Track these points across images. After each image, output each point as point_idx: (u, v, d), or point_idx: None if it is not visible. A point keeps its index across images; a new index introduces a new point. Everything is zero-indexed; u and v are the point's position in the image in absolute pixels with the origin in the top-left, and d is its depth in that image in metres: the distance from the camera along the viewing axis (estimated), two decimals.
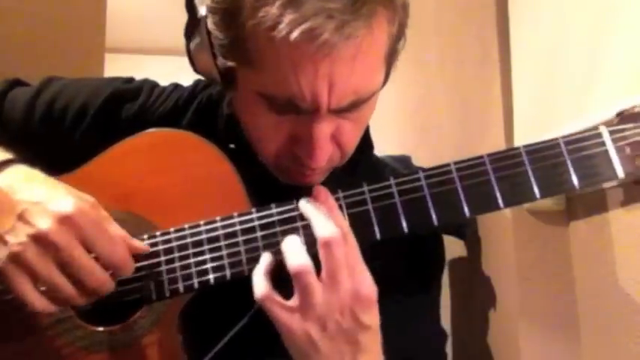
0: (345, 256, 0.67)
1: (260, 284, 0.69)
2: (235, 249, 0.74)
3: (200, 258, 0.74)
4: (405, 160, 1.15)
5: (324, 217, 0.70)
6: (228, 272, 0.73)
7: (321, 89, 0.67)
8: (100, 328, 0.75)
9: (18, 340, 0.76)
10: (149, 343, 0.74)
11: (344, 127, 0.73)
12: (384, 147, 1.09)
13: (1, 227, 0.67)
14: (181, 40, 0.78)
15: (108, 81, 0.94)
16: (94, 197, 0.71)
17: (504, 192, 0.73)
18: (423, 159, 1.11)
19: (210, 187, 0.77)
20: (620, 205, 0.88)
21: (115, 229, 0.71)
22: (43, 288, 0.68)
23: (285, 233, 0.73)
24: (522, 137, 1.03)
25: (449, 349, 1.22)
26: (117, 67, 1.76)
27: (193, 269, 0.74)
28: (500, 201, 0.73)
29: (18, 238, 0.66)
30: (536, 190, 0.73)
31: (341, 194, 0.74)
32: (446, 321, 1.21)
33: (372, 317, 0.68)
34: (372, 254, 0.70)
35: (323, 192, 0.72)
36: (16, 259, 0.66)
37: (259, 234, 0.74)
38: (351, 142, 0.77)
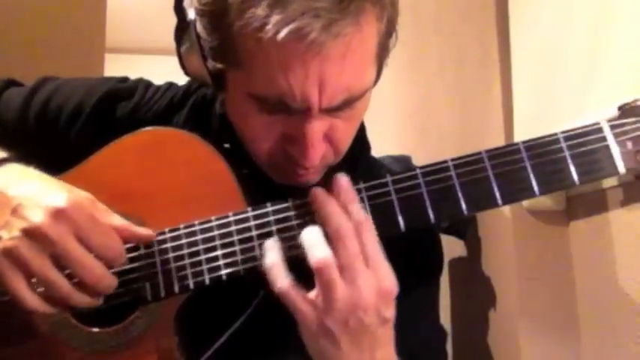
0: (361, 248, 0.67)
1: (281, 274, 0.67)
2: (231, 249, 0.73)
3: (195, 258, 0.74)
4: (405, 160, 1.15)
5: (338, 209, 0.69)
6: (223, 272, 0.73)
7: (311, 89, 0.67)
8: (96, 329, 0.75)
9: (15, 342, 0.76)
10: (145, 345, 0.74)
11: (337, 126, 0.73)
12: (384, 147, 1.09)
13: None
14: None
15: (102, 80, 0.93)
16: None
17: (503, 189, 0.71)
18: (423, 159, 1.10)
19: (206, 186, 0.77)
20: (620, 205, 0.87)
21: (116, 220, 0.70)
22: (40, 289, 0.67)
23: (280, 232, 0.73)
24: (522, 137, 1.01)
25: (449, 349, 1.22)
26: (117, 67, 1.76)
27: (189, 270, 0.73)
28: (498, 198, 0.72)
29: (11, 232, 0.65)
30: (535, 186, 0.71)
31: (362, 185, 0.73)
32: (446, 321, 1.21)
33: (392, 310, 0.68)
34: None
35: (344, 181, 0.71)
36: (9, 254, 0.65)
37: (255, 233, 0.73)
38: (345, 140, 0.76)
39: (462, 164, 0.72)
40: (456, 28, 1.40)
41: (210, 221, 0.74)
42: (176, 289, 0.73)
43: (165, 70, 1.20)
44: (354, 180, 0.73)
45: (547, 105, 0.99)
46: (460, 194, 0.71)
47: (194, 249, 0.74)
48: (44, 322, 0.75)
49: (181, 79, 0.94)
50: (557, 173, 0.72)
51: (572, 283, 1.01)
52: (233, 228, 0.73)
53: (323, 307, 0.66)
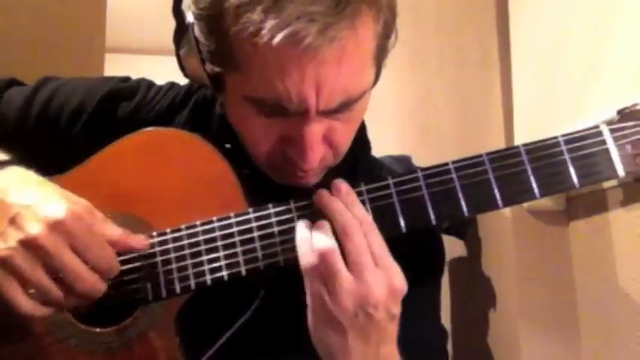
0: (368, 245, 0.68)
1: (308, 252, 0.68)
2: (232, 250, 0.73)
3: (197, 259, 0.74)
4: (405, 160, 1.15)
5: (343, 207, 0.70)
6: (225, 273, 0.73)
7: (308, 92, 0.67)
8: (97, 329, 0.75)
9: (15, 342, 0.76)
10: (146, 345, 0.74)
11: (336, 128, 0.73)
12: (384, 147, 1.08)
13: None
14: None
15: (104, 80, 0.93)
16: (89, 197, 0.71)
17: (503, 191, 0.72)
18: (423, 159, 1.10)
19: (207, 187, 0.77)
20: (620, 205, 0.87)
21: (112, 230, 0.71)
22: (32, 291, 0.68)
23: (282, 233, 0.73)
24: (522, 137, 1.03)
25: (449, 349, 1.22)
26: (117, 67, 1.76)
27: (190, 270, 0.74)
28: (499, 200, 0.72)
29: (7, 243, 0.66)
30: (535, 189, 0.72)
31: (364, 188, 0.74)
32: (446, 321, 1.21)
33: (399, 308, 0.69)
34: None
35: (344, 186, 0.72)
36: (4, 263, 0.66)
37: (256, 234, 0.73)
38: (344, 142, 0.76)
39: (463, 167, 0.73)
40: (456, 28, 1.40)
41: (211, 222, 0.74)
42: (177, 289, 0.73)
43: (166, 70, 1.20)
44: (355, 181, 0.74)
45: (547, 105, 0.99)
46: (461, 196, 0.72)
47: (196, 249, 0.74)
48: (44, 322, 0.75)
49: (181, 79, 0.94)
50: (558, 176, 0.72)
51: (572, 283, 1.01)
52: (235, 229, 0.74)
53: (330, 297, 0.67)
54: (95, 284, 0.69)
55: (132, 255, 0.74)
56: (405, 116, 1.76)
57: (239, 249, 0.73)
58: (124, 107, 0.89)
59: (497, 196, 0.72)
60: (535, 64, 1.03)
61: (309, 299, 0.69)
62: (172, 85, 0.93)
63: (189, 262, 0.74)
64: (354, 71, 0.69)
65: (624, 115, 0.74)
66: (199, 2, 0.68)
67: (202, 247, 0.74)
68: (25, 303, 0.67)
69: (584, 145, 0.73)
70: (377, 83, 0.77)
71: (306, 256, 0.68)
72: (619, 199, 0.87)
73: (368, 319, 0.67)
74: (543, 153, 0.73)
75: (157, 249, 0.74)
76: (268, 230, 0.73)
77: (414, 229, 0.73)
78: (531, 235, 1.05)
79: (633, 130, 0.73)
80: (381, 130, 1.48)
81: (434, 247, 0.95)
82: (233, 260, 0.73)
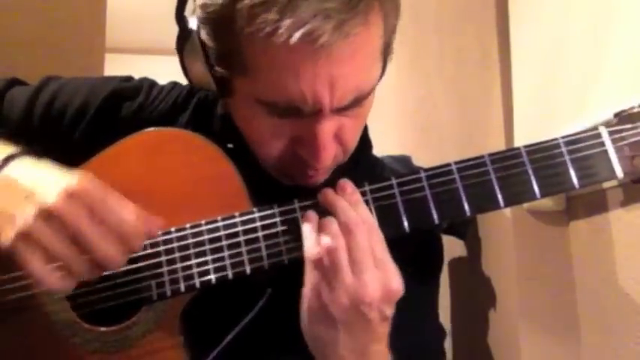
0: (371, 246, 0.69)
1: (314, 244, 0.69)
2: (237, 249, 0.74)
3: (202, 258, 0.74)
4: (405, 160, 1.15)
5: (347, 206, 0.71)
6: (230, 272, 0.74)
7: (322, 91, 0.67)
8: (102, 329, 0.75)
9: (20, 340, 0.76)
10: (150, 344, 0.74)
11: (345, 125, 0.73)
12: (384, 147, 1.09)
13: (10, 208, 0.66)
14: None
15: (106, 80, 0.93)
16: None
17: (505, 191, 0.73)
18: (424, 159, 1.11)
19: (212, 186, 0.77)
20: (620, 205, 0.88)
21: (131, 206, 0.70)
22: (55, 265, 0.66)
23: (286, 233, 0.73)
24: (522, 137, 1.03)
25: (449, 349, 1.23)
26: (117, 67, 1.75)
27: (195, 269, 0.74)
28: (500, 200, 0.73)
29: (25, 216, 0.65)
30: (536, 189, 0.73)
31: (367, 188, 0.74)
32: (446, 321, 1.21)
33: (392, 310, 0.70)
34: None
35: (349, 185, 0.73)
36: (24, 236, 0.65)
37: (261, 234, 0.74)
38: (353, 138, 0.77)
39: (465, 167, 0.74)
40: (456, 28, 1.40)
41: (216, 221, 0.75)
42: (182, 288, 0.74)
43: (166, 70, 1.20)
44: (357, 180, 0.74)
45: (547, 105, 0.99)
46: (463, 197, 0.73)
47: (200, 249, 0.74)
48: (47, 320, 0.75)
49: (182, 79, 0.94)
50: (558, 177, 0.74)
51: (572, 283, 1.02)
52: (239, 228, 0.74)
53: (328, 291, 0.67)
54: (116, 254, 0.67)
55: (137, 254, 0.74)
56: (405, 116, 1.76)
57: (244, 248, 0.74)
58: (127, 107, 0.89)
59: (499, 196, 0.73)
60: (535, 64, 1.03)
61: (305, 292, 0.70)
62: (175, 85, 0.93)
63: (193, 261, 0.74)
64: (366, 66, 0.70)
65: (622, 117, 0.76)
66: (207, 6, 0.68)
67: (207, 247, 0.74)
68: (47, 275, 0.65)
69: (583, 147, 0.74)
70: (381, 79, 0.78)
71: (311, 249, 0.69)
72: (619, 199, 0.88)
73: (360, 317, 0.68)
74: (544, 154, 0.74)
75: (162, 248, 0.75)
76: (273, 230, 0.74)
77: (417, 229, 0.73)
78: (531, 235, 1.06)
79: (631, 132, 0.74)
80: (381, 130, 1.48)
81: (432, 245, 0.95)
82: (238, 259, 0.74)
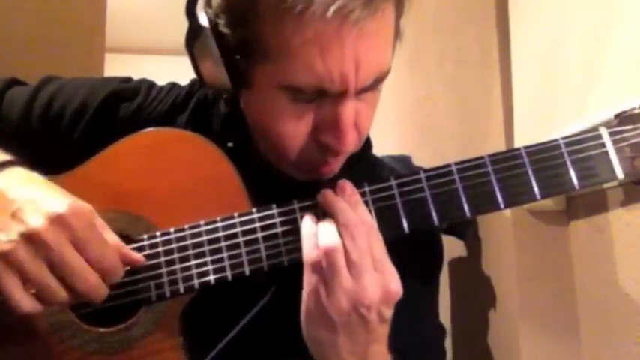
0: (370, 247, 0.68)
1: (312, 246, 0.69)
2: (236, 250, 0.74)
3: (201, 259, 0.74)
4: (405, 160, 1.15)
5: (346, 207, 0.70)
6: (229, 273, 0.73)
7: (349, 69, 0.67)
8: (100, 329, 0.75)
9: (18, 342, 0.76)
10: (149, 345, 0.74)
11: (362, 111, 0.73)
12: (384, 147, 1.09)
13: None
14: (181, 40, 0.77)
15: (106, 80, 0.93)
16: (92, 197, 0.71)
17: (505, 192, 0.73)
18: (424, 159, 1.11)
19: (210, 187, 0.77)
20: (620, 205, 0.88)
21: (110, 236, 0.70)
22: (32, 291, 0.66)
23: (286, 234, 0.73)
24: (522, 137, 1.03)
25: (449, 349, 1.23)
26: (117, 67, 1.76)
27: (194, 270, 0.74)
28: (500, 201, 0.73)
29: (9, 236, 0.65)
30: (536, 190, 0.73)
31: (367, 188, 0.74)
32: (446, 321, 1.21)
33: (391, 311, 0.70)
34: None
35: (348, 186, 0.73)
36: (5, 257, 0.64)
37: (260, 235, 0.74)
38: (367, 125, 0.77)
39: (465, 168, 0.74)
40: (456, 28, 1.40)
41: (215, 222, 0.75)
42: (181, 289, 0.74)
43: (166, 70, 1.20)
44: (357, 180, 0.74)
45: (547, 105, 0.99)
46: (463, 198, 0.73)
47: (199, 249, 0.74)
48: (46, 321, 0.75)
49: (181, 79, 0.95)
50: (558, 178, 0.74)
51: (572, 283, 1.02)
52: (238, 229, 0.74)
53: (326, 293, 0.67)
54: (97, 285, 0.67)
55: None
56: (405, 116, 1.76)
57: (243, 249, 0.74)
58: (126, 107, 0.89)
59: (499, 197, 0.73)
60: (535, 64, 1.03)
61: (304, 294, 0.70)
62: (173, 86, 0.93)
63: (192, 262, 0.74)
64: (386, 45, 0.71)
65: (622, 118, 0.75)
66: None
67: (206, 248, 0.74)
68: (23, 298, 0.65)
69: (583, 148, 0.74)
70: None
71: (310, 251, 0.69)
72: (619, 199, 0.88)
73: (360, 319, 0.67)
74: (544, 155, 0.74)
75: (161, 249, 0.74)
76: (272, 231, 0.74)
77: (417, 230, 0.73)
78: (531, 235, 1.06)
79: (631, 133, 0.74)
80: (381, 130, 1.48)
81: (432, 244, 0.95)
82: (237, 260, 0.74)
